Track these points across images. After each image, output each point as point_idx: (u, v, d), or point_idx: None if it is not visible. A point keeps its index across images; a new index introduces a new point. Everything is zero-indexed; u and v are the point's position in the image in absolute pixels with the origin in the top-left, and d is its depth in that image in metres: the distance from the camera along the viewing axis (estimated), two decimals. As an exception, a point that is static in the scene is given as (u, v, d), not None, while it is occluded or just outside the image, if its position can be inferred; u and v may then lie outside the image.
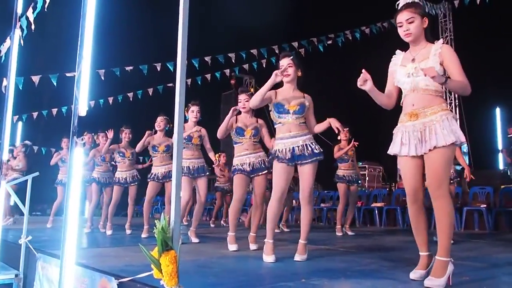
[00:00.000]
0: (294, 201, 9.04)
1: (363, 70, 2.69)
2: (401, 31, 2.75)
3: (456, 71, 2.60)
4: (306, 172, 3.59)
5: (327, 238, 5.93)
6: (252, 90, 4.99)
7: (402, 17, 2.72)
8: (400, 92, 2.84)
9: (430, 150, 2.58)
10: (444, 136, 2.55)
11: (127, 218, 6.62)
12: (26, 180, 3.97)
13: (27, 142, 8.86)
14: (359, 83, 2.70)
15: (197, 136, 5.26)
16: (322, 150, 3.66)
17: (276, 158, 3.63)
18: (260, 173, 4.48)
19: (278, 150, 3.65)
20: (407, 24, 2.70)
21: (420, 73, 2.63)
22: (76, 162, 1.93)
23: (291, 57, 3.72)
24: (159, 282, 2.09)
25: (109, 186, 6.99)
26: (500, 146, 11.84)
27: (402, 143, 2.70)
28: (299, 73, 3.74)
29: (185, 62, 2.26)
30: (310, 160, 3.57)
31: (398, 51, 2.91)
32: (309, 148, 3.59)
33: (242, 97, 4.63)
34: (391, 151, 2.79)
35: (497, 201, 7.59)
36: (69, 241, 1.86)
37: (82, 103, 1.90)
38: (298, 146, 3.60)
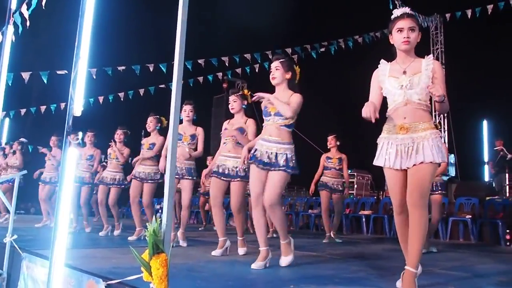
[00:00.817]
0: (283, 207, 9.04)
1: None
2: (399, 37, 2.70)
3: (444, 90, 2.63)
4: (270, 179, 3.51)
5: (315, 244, 5.94)
6: (246, 92, 4.84)
7: (405, 23, 2.69)
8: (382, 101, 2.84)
9: (414, 165, 2.60)
10: (433, 155, 2.58)
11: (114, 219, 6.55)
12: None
13: (22, 139, 8.76)
14: (371, 114, 2.57)
15: (188, 135, 5.11)
16: (295, 166, 3.56)
17: (251, 158, 3.61)
18: (234, 180, 4.38)
19: (255, 150, 3.62)
20: (409, 31, 2.68)
21: (414, 86, 2.65)
22: (70, 162, 1.92)
23: (279, 60, 3.69)
24: (148, 285, 2.08)
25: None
26: (486, 158, 11.98)
27: (387, 155, 2.70)
28: (288, 76, 3.66)
29: (182, 63, 2.25)
30: (276, 169, 3.50)
31: (383, 61, 2.86)
32: (281, 158, 3.51)
33: (231, 98, 4.56)
34: (376, 162, 2.79)
35: (482, 212, 7.67)
36: (59, 241, 1.85)
37: (78, 103, 1.89)
38: (271, 152, 3.55)
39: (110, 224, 6.54)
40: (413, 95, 2.66)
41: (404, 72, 2.71)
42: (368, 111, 2.56)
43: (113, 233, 6.44)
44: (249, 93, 4.57)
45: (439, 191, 5.37)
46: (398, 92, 2.70)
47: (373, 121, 2.58)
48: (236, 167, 4.36)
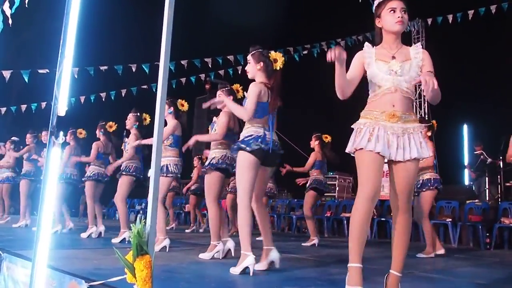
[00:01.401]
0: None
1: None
2: (392, 17, 2.57)
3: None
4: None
5: (297, 247, 5.96)
6: (236, 86, 4.76)
7: (398, 4, 2.56)
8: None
9: (401, 161, 2.49)
10: (423, 149, 2.50)
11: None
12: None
13: (14, 138, 8.67)
14: (335, 52, 2.36)
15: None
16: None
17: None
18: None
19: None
20: (401, 12, 2.56)
21: (404, 73, 2.54)
22: (53, 161, 1.90)
23: (250, 53, 3.66)
24: (132, 287, 2.07)
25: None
26: (466, 162, 12.16)
27: (373, 138, 2.47)
28: (259, 66, 3.60)
29: (168, 64, 2.25)
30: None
31: (367, 44, 2.66)
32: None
33: (218, 93, 4.47)
34: (354, 145, 2.54)
35: (462, 216, 7.79)
36: (42, 242, 1.83)
37: (62, 103, 1.87)
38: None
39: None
40: (402, 83, 2.53)
41: (393, 57, 2.57)
42: (333, 52, 2.35)
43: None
44: (241, 87, 4.52)
45: (434, 187, 5.30)
46: (387, 77, 2.54)
47: (342, 57, 2.38)
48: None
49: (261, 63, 3.61)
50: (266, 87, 3.54)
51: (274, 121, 3.58)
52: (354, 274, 2.45)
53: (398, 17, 2.55)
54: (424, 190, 5.30)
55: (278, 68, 3.63)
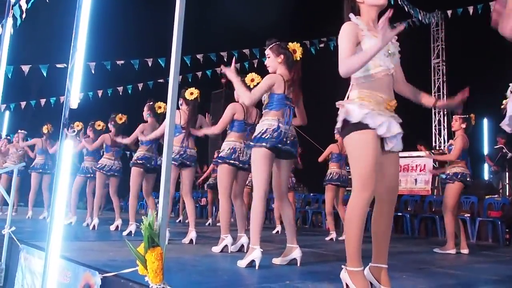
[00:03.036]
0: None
1: None
2: None
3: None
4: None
5: (313, 241, 5.94)
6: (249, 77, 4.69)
7: None
8: None
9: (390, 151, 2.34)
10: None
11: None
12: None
13: (23, 131, 8.82)
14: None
15: None
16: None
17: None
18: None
19: None
20: None
21: (394, 55, 2.39)
22: (66, 154, 1.92)
23: (268, 47, 3.59)
24: (143, 279, 2.08)
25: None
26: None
27: (377, 120, 2.25)
28: (279, 59, 3.53)
29: (179, 57, 2.25)
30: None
31: (353, 16, 2.40)
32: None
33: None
34: (356, 118, 2.24)
35: (481, 211, 7.67)
36: (55, 233, 1.85)
37: (74, 95, 1.88)
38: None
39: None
40: (390, 66, 2.36)
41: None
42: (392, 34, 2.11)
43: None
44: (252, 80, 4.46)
45: (458, 179, 5.17)
46: (382, 57, 2.31)
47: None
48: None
49: (282, 56, 3.54)
50: (282, 78, 3.48)
51: (292, 114, 3.50)
52: (360, 278, 2.27)
53: None
54: (449, 182, 5.21)
55: (297, 58, 3.58)
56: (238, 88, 3.48)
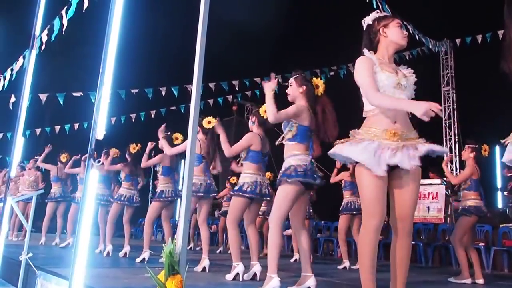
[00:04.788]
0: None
1: None
2: (400, 32, 2.56)
3: None
4: None
5: (325, 269, 5.90)
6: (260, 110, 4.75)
7: (400, 22, 2.60)
8: None
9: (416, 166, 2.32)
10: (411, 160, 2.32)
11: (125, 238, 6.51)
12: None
13: (37, 158, 8.95)
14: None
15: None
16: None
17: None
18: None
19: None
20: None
21: (408, 89, 2.47)
22: (91, 183, 1.98)
23: (293, 77, 3.70)
24: (163, 306, 2.11)
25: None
26: (499, 185, 11.85)
27: (375, 154, 2.30)
28: (301, 90, 3.63)
29: (201, 85, 2.34)
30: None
31: (367, 52, 2.56)
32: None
33: (251, 117, 4.67)
34: (355, 156, 2.36)
35: (495, 240, 7.57)
36: (79, 261, 1.90)
37: (101, 126, 1.96)
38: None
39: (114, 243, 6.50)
40: (400, 97, 2.43)
41: (396, 72, 2.49)
42: (431, 106, 2.18)
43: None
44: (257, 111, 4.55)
45: (471, 214, 5.15)
46: (392, 90, 2.41)
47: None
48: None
49: (304, 87, 3.65)
50: (310, 111, 3.57)
51: (312, 146, 3.56)
52: None
53: (405, 33, 2.59)
54: (465, 214, 5.18)
55: (320, 94, 3.70)
56: (268, 105, 3.46)
